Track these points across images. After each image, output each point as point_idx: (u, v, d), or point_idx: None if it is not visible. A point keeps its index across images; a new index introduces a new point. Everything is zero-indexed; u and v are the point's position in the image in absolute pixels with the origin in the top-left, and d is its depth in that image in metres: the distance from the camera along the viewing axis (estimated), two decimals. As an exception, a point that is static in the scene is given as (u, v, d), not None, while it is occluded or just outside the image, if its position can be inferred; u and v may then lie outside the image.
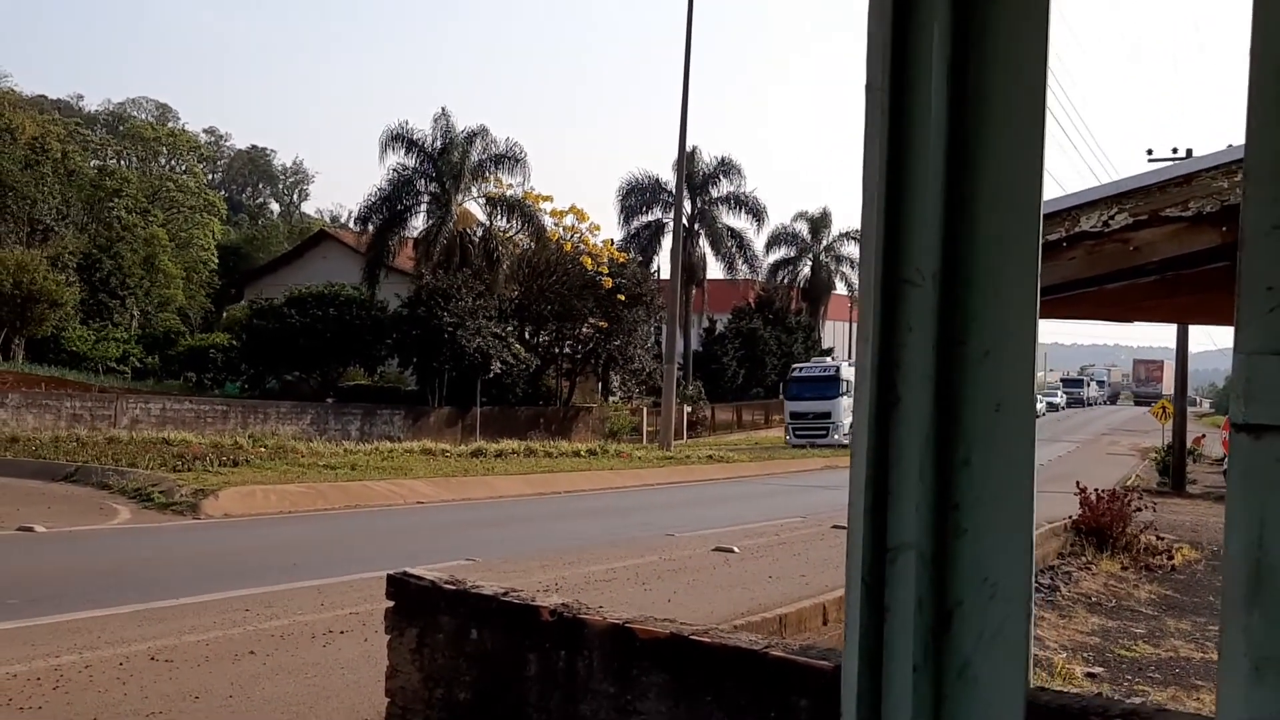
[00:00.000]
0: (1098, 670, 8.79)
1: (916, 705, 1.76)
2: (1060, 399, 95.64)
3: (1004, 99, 1.76)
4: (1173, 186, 3.45)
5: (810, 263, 68.34)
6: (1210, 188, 3.39)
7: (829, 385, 48.80)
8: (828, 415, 48.34)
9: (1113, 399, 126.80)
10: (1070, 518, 16.38)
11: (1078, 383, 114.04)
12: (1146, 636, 10.26)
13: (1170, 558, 15.23)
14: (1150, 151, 35.33)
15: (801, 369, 52.00)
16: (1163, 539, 16.03)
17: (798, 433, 48.62)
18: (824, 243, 68.19)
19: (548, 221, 49.11)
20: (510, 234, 48.85)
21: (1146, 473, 34.92)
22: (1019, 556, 1.73)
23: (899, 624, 1.77)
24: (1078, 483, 16.90)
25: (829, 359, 54.91)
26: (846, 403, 46.33)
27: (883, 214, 1.77)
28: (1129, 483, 27.22)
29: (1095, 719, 2.72)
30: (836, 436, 46.96)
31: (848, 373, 47.59)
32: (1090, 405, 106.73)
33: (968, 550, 1.77)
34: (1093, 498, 16.18)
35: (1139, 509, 16.34)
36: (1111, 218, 3.55)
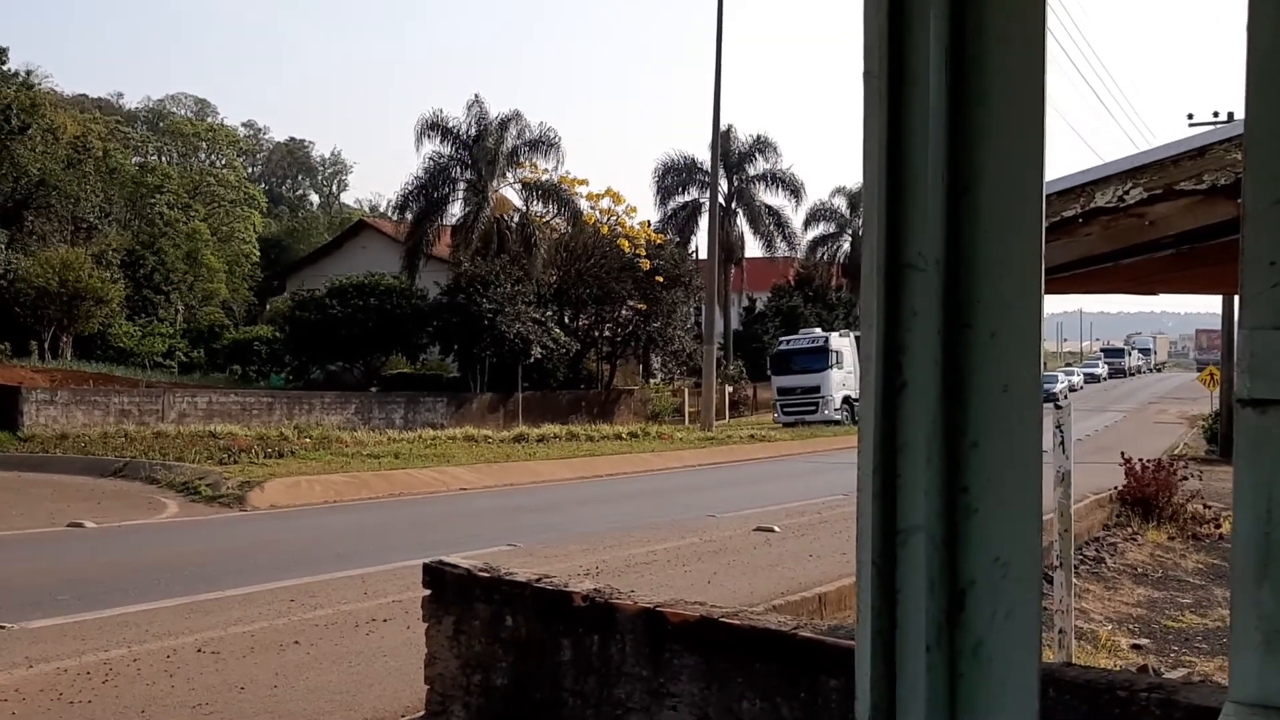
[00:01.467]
0: (1143, 642, 8.76)
1: (931, 685, 1.77)
2: (1101, 369, 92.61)
3: (1003, 81, 1.76)
4: (1186, 160, 3.41)
5: (850, 238, 67.96)
6: (1224, 160, 3.35)
7: (818, 358, 46.53)
8: (816, 390, 46.12)
9: (1158, 367, 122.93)
10: (1116, 488, 16.27)
11: (1118, 352, 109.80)
12: (1193, 606, 10.19)
13: (1218, 526, 15.09)
14: (1191, 116, 34.81)
15: (789, 341, 49.60)
16: (1210, 507, 15.88)
17: (786, 409, 46.14)
18: (863, 217, 67.75)
19: (584, 205, 49.17)
20: (547, 219, 48.91)
21: (1194, 440, 34.57)
22: (1030, 536, 1.74)
23: (911, 606, 1.78)
24: (1123, 453, 16.78)
25: (818, 329, 51.38)
26: (837, 376, 45.91)
27: (884, 200, 1.78)
28: (1176, 451, 26.97)
29: (1121, 693, 2.72)
30: (827, 412, 45.39)
31: (838, 344, 46.80)
32: (1133, 375, 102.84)
33: (978, 531, 1.78)
34: (1138, 468, 16.06)
35: (1185, 478, 16.20)
36: (1126, 193, 3.51)
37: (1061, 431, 7.37)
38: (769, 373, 49.23)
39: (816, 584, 9.75)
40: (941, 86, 1.71)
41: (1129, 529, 14.81)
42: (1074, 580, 7.96)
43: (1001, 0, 1.70)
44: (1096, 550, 13.09)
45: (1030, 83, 1.70)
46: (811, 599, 8.95)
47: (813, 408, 45.50)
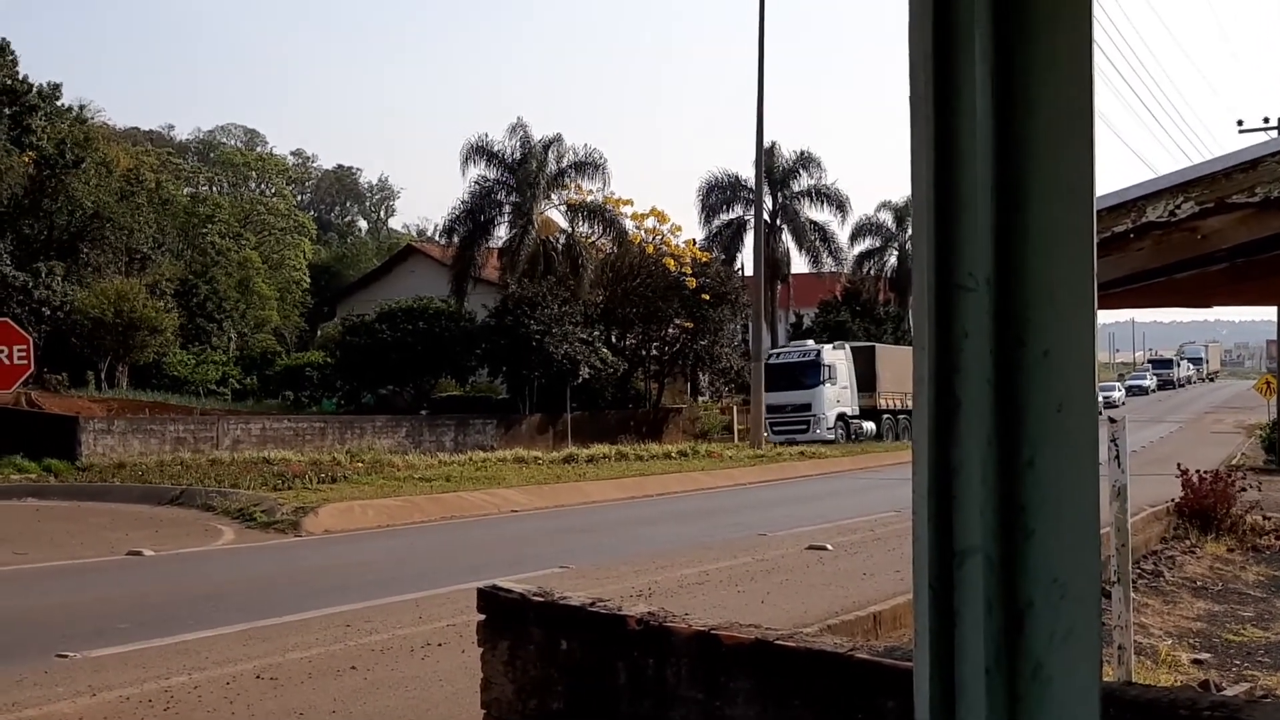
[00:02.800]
0: (1204, 656, 8.62)
1: (991, 707, 1.76)
2: (1149, 381, 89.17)
3: (1050, 98, 1.76)
4: (1238, 173, 3.37)
5: (897, 252, 67.66)
6: (1276, 173, 3.30)
7: (809, 372, 43.98)
8: (807, 407, 43.61)
9: (1211, 376, 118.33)
10: (1173, 500, 16.05)
11: (1166, 363, 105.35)
12: (1255, 620, 10.03)
13: (1279, 538, 14.84)
14: (1241, 122, 34.42)
15: (779, 354, 46.97)
16: (1270, 518, 15.64)
17: (775, 428, 42.98)
18: (909, 230, 67.37)
19: (629, 225, 49.28)
20: (592, 239, 49.08)
21: (1252, 450, 34.04)
22: (1087, 555, 1.73)
23: (969, 627, 1.77)
24: (1179, 464, 16.55)
25: (810, 342, 48.51)
26: (830, 392, 43.90)
27: (933, 220, 1.78)
28: (1233, 462, 26.59)
29: (1184, 712, 2.68)
30: (819, 431, 42.71)
31: (831, 357, 44.78)
32: (1183, 386, 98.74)
33: (1035, 551, 1.77)
34: (1195, 479, 15.84)
35: (1244, 489, 15.96)
36: (1178, 207, 3.47)
37: (1117, 445, 7.30)
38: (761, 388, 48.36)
39: (871, 603, 9.69)
40: (988, 106, 1.71)
41: (1187, 542, 14.60)
42: (1132, 595, 7.86)
43: (1047, 17, 1.70)
44: (1154, 564, 12.91)
45: (1078, 98, 1.70)
46: (866, 618, 8.89)
47: (803, 426, 43.21)
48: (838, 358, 45.21)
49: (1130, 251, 3.67)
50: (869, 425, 45.59)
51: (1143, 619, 9.54)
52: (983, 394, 1.74)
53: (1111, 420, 7.31)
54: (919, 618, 1.77)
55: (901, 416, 47.52)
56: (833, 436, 42.87)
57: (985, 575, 1.73)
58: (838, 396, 44.37)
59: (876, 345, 50.02)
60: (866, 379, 46.45)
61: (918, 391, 1.82)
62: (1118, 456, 7.31)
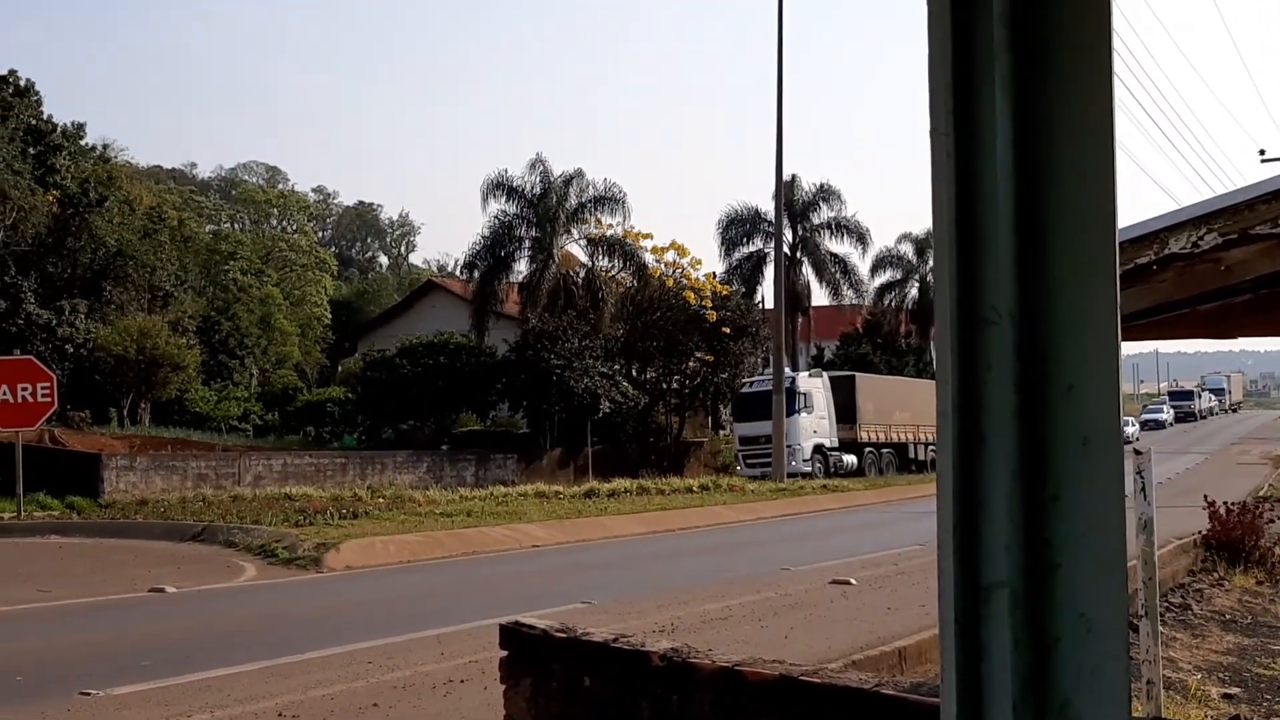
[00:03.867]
0: (1235, 691, 8.53)
1: (1019, 745, 1.74)
2: (1166, 415, 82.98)
3: (1072, 132, 1.76)
4: (1260, 204, 3.35)
5: (918, 284, 67.57)
6: (1299, 203, 3.29)
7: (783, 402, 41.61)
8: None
9: (1234, 407, 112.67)
10: (1200, 533, 15.92)
11: (1186, 395, 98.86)
12: (1285, 654, 9.91)
13: (1308, 570, 14.69)
14: (1263, 152, 34.34)
15: (752, 383, 44.86)
16: (1298, 551, 15.47)
17: (749, 460, 41.50)
18: (930, 263, 67.27)
19: (649, 258, 49.38)
20: (612, 273, 49.19)
21: (1279, 481, 33.74)
22: (1115, 590, 1.72)
23: (996, 663, 1.76)
24: (1205, 496, 16.43)
25: (784, 370, 45.40)
26: (806, 422, 41.63)
27: (955, 254, 1.78)
28: (1261, 493, 26.37)
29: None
30: (794, 463, 40.07)
31: (807, 385, 42.64)
32: (1204, 419, 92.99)
33: (1062, 587, 1.76)
34: (1222, 511, 15.72)
35: (1272, 520, 15.82)
36: (1200, 238, 3.46)
37: (1142, 477, 7.24)
38: (731, 418, 44.83)
39: (896, 638, 9.62)
40: (1009, 138, 1.71)
41: (1215, 574, 14.46)
42: (1160, 629, 7.78)
43: (1068, 48, 1.71)
44: (1182, 597, 12.79)
45: (1099, 129, 1.70)
46: (891, 653, 8.83)
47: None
48: (814, 386, 43.22)
49: (1153, 283, 3.66)
50: (849, 458, 43.17)
51: (1171, 653, 9.44)
52: (1007, 428, 1.73)
53: (1137, 452, 7.26)
54: (945, 653, 1.76)
55: (885, 450, 45.94)
56: (809, 470, 40.60)
57: (1011, 610, 1.72)
58: (814, 427, 42.23)
59: (857, 374, 47.80)
60: (846, 409, 44.22)
61: (941, 425, 1.81)
62: (1144, 489, 7.26)
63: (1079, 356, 1.72)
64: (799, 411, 41.13)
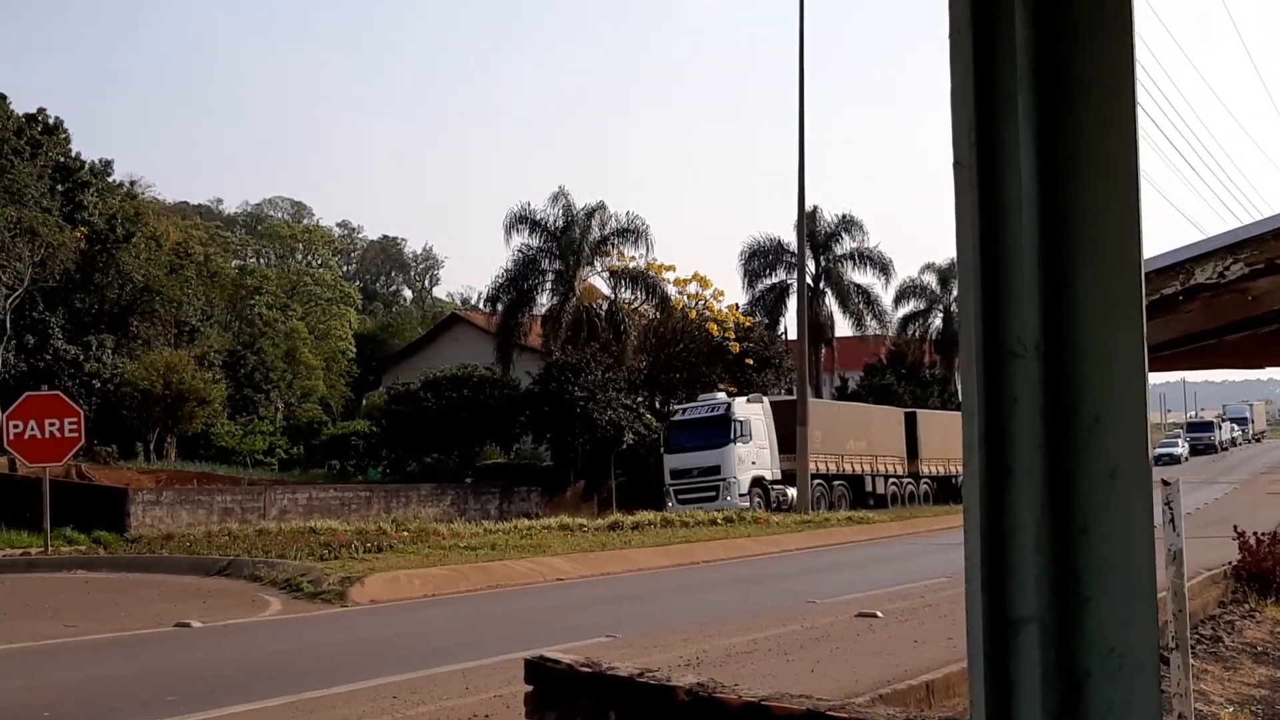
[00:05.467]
0: (1267, 725, 8.41)
1: (1050, 781, 1.73)
2: (1181, 449, 76.13)
3: (1096, 162, 1.76)
4: (1288, 233, 3.34)
5: (942, 314, 67.44)
6: (1327, 233, 3.28)
7: (717, 430, 38.08)
8: (715, 470, 37.75)
9: (1257, 437, 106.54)
10: (1230, 563, 15.77)
11: (1206, 426, 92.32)
12: (1319, 687, 9.78)
13: (1341, 601, 14.52)
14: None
15: (684, 409, 41.14)
16: (1331, 582, 15.28)
17: (680, 495, 37.76)
18: (954, 293, 67.21)
19: (671, 290, 49.50)
20: (635, 305, 49.31)
21: (1311, 512, 33.37)
22: (1145, 623, 1.70)
23: (1025, 698, 1.74)
24: (1235, 527, 16.28)
25: (720, 394, 41.83)
26: (743, 452, 38.05)
27: (979, 287, 1.78)
28: (1292, 523, 26.07)
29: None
30: (730, 498, 36.79)
31: (744, 412, 38.89)
32: (1226, 450, 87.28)
33: (1092, 620, 1.74)
34: (1252, 541, 15.57)
35: (1303, 551, 15.65)
36: (1227, 268, 3.44)
37: (1171, 508, 7.19)
38: (662, 450, 40.54)
39: (923, 671, 9.54)
40: (1033, 171, 1.71)
41: (1246, 605, 14.31)
42: (1191, 662, 7.70)
43: (1091, 80, 1.71)
44: (1213, 629, 12.66)
45: (1123, 160, 1.70)
46: (919, 687, 8.76)
47: (712, 493, 37.38)
48: (753, 413, 39.44)
49: (1179, 314, 3.64)
50: (794, 492, 39.10)
51: (1202, 686, 9.33)
52: (1034, 460, 1.73)
53: (1165, 483, 7.21)
54: (974, 688, 1.74)
55: (837, 482, 42.10)
56: (746, 504, 36.65)
57: (1041, 644, 1.70)
58: (753, 457, 38.58)
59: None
60: (790, 438, 39.77)
61: (968, 458, 1.80)
62: (1172, 520, 7.20)
63: (1106, 388, 1.72)
64: (734, 441, 37.78)
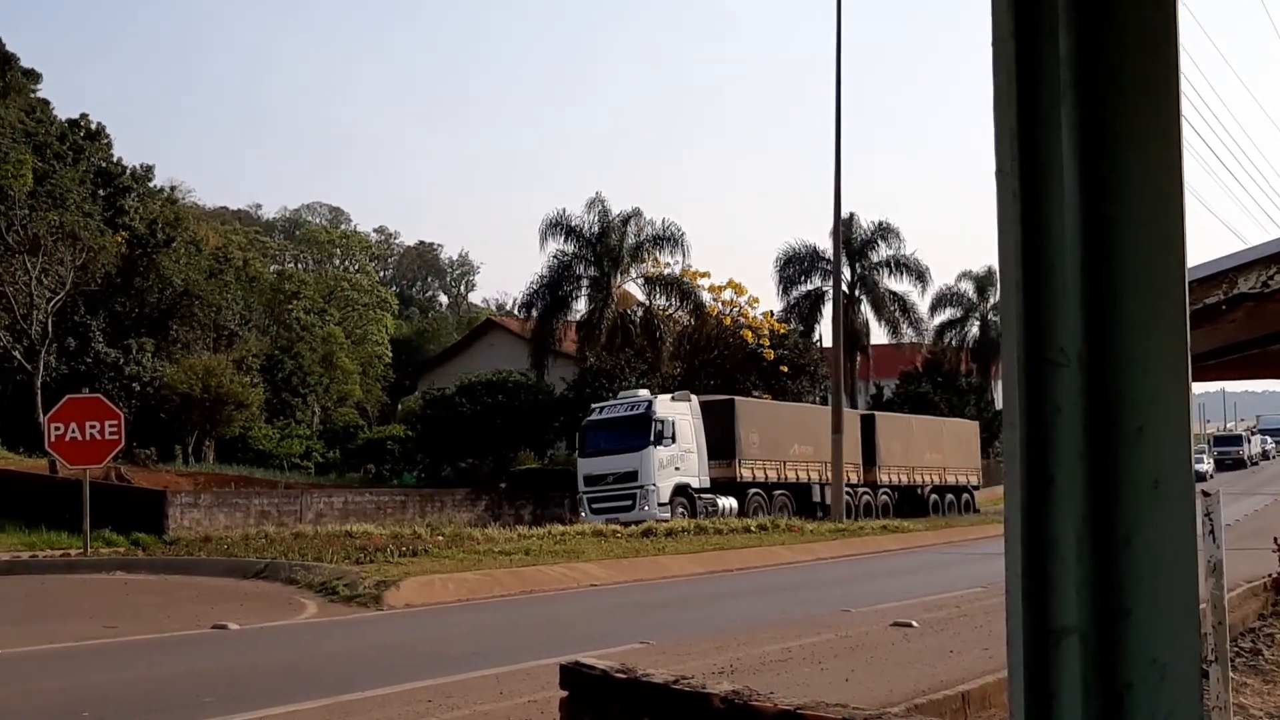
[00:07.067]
0: (1309, 740, 8.31)
1: (1089, 795, 1.72)
2: (1206, 465, 68.74)
3: (1139, 170, 1.75)
4: (1333, 243, 3.30)
5: (978, 322, 67.10)
6: (1373, 241, 3.23)
7: (635, 431, 33.91)
8: (632, 476, 33.66)
9: None
10: (1270, 576, 15.60)
11: (1233, 440, 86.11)
12: (1362, 701, 9.65)
13: (1384, 615, 14.33)
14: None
15: (601, 408, 36.72)
16: (1374, 595, 15.09)
17: (594, 505, 34.07)
18: (991, 301, 66.91)
19: (706, 297, 49.53)
20: (670, 312, 49.35)
21: (1353, 524, 32.93)
22: (1188, 635, 1.69)
23: (1066, 711, 1.74)
24: (1276, 539, 16.10)
25: (642, 391, 37.54)
26: (665, 456, 33.94)
27: (1022, 296, 1.77)
28: (1334, 536, 25.74)
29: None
30: (648, 507, 32.80)
31: (667, 410, 34.68)
32: (1256, 465, 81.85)
33: (1133, 632, 1.73)
34: (1293, 554, 15.39)
35: (1345, 563, 15.45)
36: (1270, 278, 3.41)
37: (1211, 520, 7.12)
38: (575, 454, 37.03)
39: (958, 682, 9.48)
40: (1075, 179, 1.71)
41: (1287, 618, 14.15)
42: (1231, 675, 7.62)
43: (1134, 89, 1.70)
44: (1252, 641, 12.53)
45: (1167, 169, 1.69)
46: (954, 698, 8.70)
47: (627, 502, 33.52)
48: (677, 412, 35.09)
49: (1223, 324, 3.61)
50: (726, 501, 35.56)
51: (1242, 699, 9.23)
52: (1076, 470, 1.72)
53: (1205, 494, 7.14)
54: (1013, 700, 1.74)
55: (778, 492, 38.43)
56: (667, 515, 32.51)
57: (1082, 656, 1.70)
58: (677, 462, 34.43)
59: (737, 399, 39.81)
60: (723, 442, 36.46)
61: (1009, 468, 1.79)
62: (1212, 531, 7.13)
63: (1149, 398, 1.71)
64: (653, 444, 33.59)
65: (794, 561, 26.46)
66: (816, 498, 39.71)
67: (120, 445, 26.26)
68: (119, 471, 34.21)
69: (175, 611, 17.08)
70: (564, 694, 4.81)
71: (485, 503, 39.66)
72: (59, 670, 12.14)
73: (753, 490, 37.16)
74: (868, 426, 43.46)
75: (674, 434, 34.27)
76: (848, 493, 40.38)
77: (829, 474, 39.55)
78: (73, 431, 24.76)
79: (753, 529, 31.20)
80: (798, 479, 39.62)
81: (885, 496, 43.21)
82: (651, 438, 33.55)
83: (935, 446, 46.46)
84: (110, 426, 25.12)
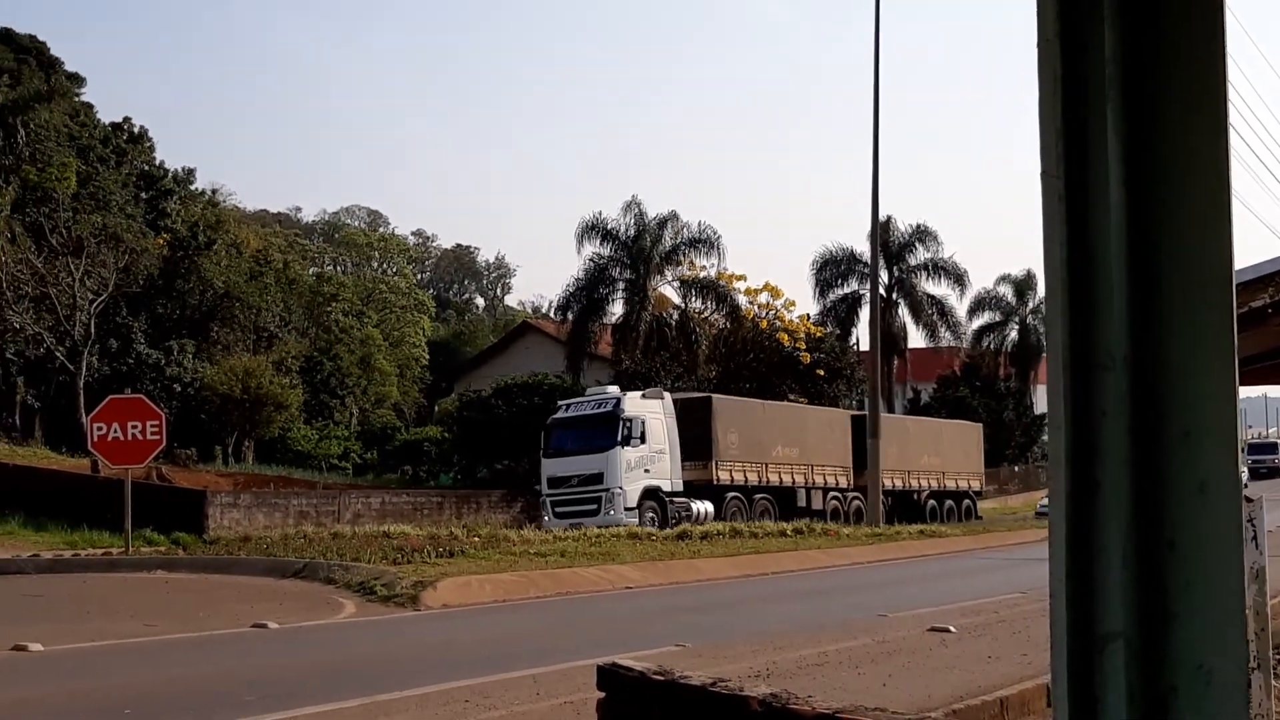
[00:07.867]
0: (1353, 749, 8.20)
1: (1134, 801, 1.71)
2: (1241, 473, 64.23)
3: (1185, 174, 1.74)
4: (1381, 245, 3.25)
5: (1017, 326, 66.67)
6: None
7: (602, 430, 32.20)
8: (598, 478, 31.93)
9: None
10: (1313, 584, 15.39)
11: (1268, 448, 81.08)
12: None
13: None
14: (1377, 190, 33.30)
15: (568, 406, 35.13)
16: None
17: (557, 509, 32.42)
18: (1030, 305, 66.48)
19: (742, 300, 49.51)
20: (706, 315, 49.34)
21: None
22: (1234, 640, 1.68)
23: (1110, 716, 1.73)
24: (1319, 546, 15.91)
25: (611, 387, 35.96)
26: (632, 457, 32.14)
27: (1067, 300, 1.77)
28: (1379, 543, 25.39)
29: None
30: (613, 511, 31.08)
31: (636, 408, 32.88)
32: None
33: (1178, 636, 1.72)
34: (1338, 561, 15.18)
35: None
36: (1318, 281, 3.38)
37: (1254, 525, 7.04)
38: (540, 454, 34.69)
39: (997, 687, 9.40)
40: (1121, 182, 1.70)
41: (1331, 627, 13.96)
42: (1274, 683, 7.54)
43: (1181, 92, 1.69)
44: (1296, 650, 12.36)
45: (1214, 171, 1.68)
46: (993, 703, 8.64)
47: (592, 505, 31.76)
48: (648, 410, 33.19)
49: (1270, 327, 3.57)
50: (701, 506, 33.50)
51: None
52: (1121, 474, 1.71)
53: (1249, 499, 7.07)
54: (1057, 704, 1.73)
55: (759, 496, 36.56)
56: (635, 521, 30.73)
57: (1127, 661, 1.69)
58: (647, 464, 32.60)
59: (714, 396, 38.39)
60: (699, 442, 34.58)
61: (1054, 472, 1.79)
62: (1255, 536, 7.06)
63: (1195, 401, 1.70)
64: (620, 444, 31.78)
65: (830, 565, 26.36)
66: (801, 502, 37.91)
67: (161, 445, 26.49)
68: (160, 471, 34.54)
69: (215, 610, 17.23)
70: (601, 695, 4.82)
71: (521, 504, 39.75)
72: (100, 668, 12.28)
73: (731, 494, 35.49)
74: (859, 427, 40.96)
75: (644, 434, 32.59)
76: (834, 497, 39.46)
77: (815, 477, 38.52)
78: (115, 432, 25.00)
79: (789, 532, 31.10)
80: (780, 482, 37.77)
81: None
82: (619, 438, 31.90)
83: (933, 449, 44.98)
84: (152, 427, 25.36)
